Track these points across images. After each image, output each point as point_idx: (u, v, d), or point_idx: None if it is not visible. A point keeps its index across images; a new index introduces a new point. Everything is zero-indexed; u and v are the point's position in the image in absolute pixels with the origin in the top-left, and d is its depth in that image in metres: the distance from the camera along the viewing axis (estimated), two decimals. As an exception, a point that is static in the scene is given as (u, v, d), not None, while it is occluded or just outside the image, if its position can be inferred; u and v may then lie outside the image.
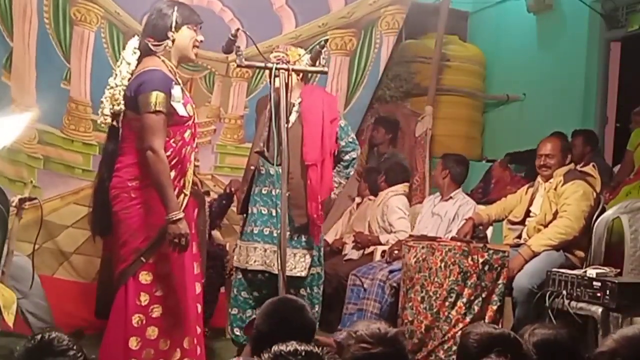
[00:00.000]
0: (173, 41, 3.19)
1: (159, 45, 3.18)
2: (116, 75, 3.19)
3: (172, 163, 3.14)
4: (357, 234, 5.21)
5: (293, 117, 3.74)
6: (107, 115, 3.19)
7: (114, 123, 3.23)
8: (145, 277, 3.13)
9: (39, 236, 3.65)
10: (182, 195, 3.21)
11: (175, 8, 3.20)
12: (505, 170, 5.85)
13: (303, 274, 3.75)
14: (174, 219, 3.03)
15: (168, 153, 3.13)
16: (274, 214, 3.72)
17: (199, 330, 3.32)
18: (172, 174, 3.15)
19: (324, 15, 5.34)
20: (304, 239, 3.76)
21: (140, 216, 3.12)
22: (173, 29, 3.18)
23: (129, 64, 3.18)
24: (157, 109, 3.04)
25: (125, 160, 3.17)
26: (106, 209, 3.20)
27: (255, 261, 3.76)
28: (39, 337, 1.82)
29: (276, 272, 3.60)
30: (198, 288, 3.35)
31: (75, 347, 1.82)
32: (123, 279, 3.15)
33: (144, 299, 3.11)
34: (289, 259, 3.70)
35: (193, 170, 3.29)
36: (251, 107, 5.22)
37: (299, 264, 3.74)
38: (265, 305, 2.24)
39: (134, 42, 3.24)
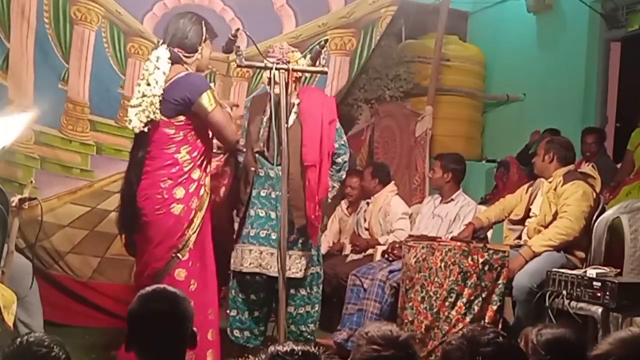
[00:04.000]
0: (201, 54, 3.43)
1: (190, 56, 3.40)
2: (148, 83, 3.29)
3: (198, 163, 3.36)
4: (355, 238, 5.20)
5: (292, 118, 3.73)
6: (143, 122, 3.29)
7: (145, 129, 3.33)
8: (179, 275, 3.30)
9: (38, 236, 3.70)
10: (205, 194, 3.40)
11: (203, 23, 3.44)
12: (519, 171, 5.85)
13: (299, 275, 3.74)
14: None
15: (195, 154, 3.34)
16: (272, 216, 3.70)
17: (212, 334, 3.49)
18: (197, 173, 3.36)
19: (324, 15, 5.35)
20: (300, 240, 3.75)
21: (173, 215, 3.29)
22: (203, 44, 3.42)
23: (165, 73, 3.32)
24: (214, 105, 3.32)
25: (155, 164, 3.33)
26: (133, 212, 3.34)
27: (250, 263, 3.72)
28: (17, 341, 1.82)
29: (272, 274, 3.62)
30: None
31: (55, 348, 1.82)
32: (159, 278, 3.26)
33: None
34: (287, 261, 3.70)
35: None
36: (251, 106, 5.22)
37: (294, 265, 3.73)
38: (138, 297, 2.22)
39: (166, 52, 3.34)
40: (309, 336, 3.84)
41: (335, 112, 3.91)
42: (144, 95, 3.28)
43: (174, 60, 3.36)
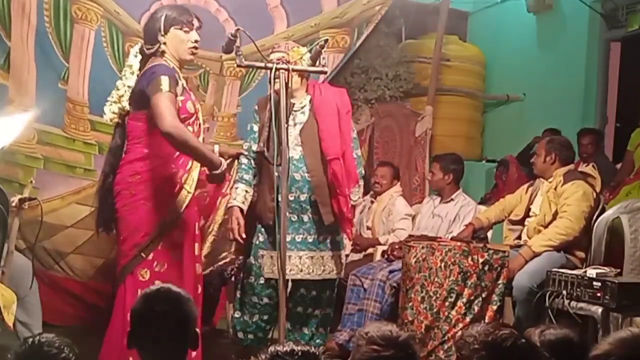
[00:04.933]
0: (164, 44, 3.26)
1: (151, 48, 3.27)
2: (122, 77, 3.34)
3: (173, 158, 3.23)
4: (356, 237, 5.19)
5: (305, 116, 3.68)
6: (114, 113, 3.34)
7: (120, 121, 3.35)
8: (143, 274, 3.19)
9: (37, 236, 3.68)
10: (185, 192, 3.27)
11: (164, 11, 3.29)
12: (518, 170, 5.84)
13: (334, 275, 3.71)
14: (218, 172, 3.21)
15: (168, 148, 3.20)
16: (305, 219, 3.62)
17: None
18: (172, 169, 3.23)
19: (317, 16, 5.36)
20: (330, 239, 3.69)
21: (140, 212, 3.18)
22: (161, 32, 3.25)
23: (130, 66, 3.32)
24: (167, 89, 3.09)
25: (128, 157, 3.26)
26: (109, 206, 3.29)
27: (290, 270, 3.59)
28: (29, 342, 1.86)
29: (316, 277, 3.64)
30: (199, 289, 3.39)
31: (65, 349, 1.85)
32: (123, 275, 3.21)
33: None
34: (327, 262, 3.68)
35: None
36: (243, 105, 5.21)
37: (328, 265, 3.69)
38: (142, 295, 2.22)
39: (136, 47, 3.37)
40: (318, 340, 3.79)
41: (349, 102, 3.85)
42: (116, 89, 3.34)
43: (144, 55, 3.32)
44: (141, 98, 3.18)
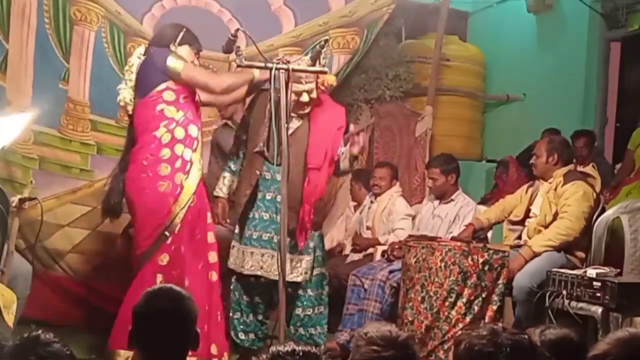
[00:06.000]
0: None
1: None
2: (124, 80, 3.58)
3: (180, 138, 3.42)
4: (356, 237, 5.19)
5: (299, 121, 3.75)
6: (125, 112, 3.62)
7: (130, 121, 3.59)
8: (162, 259, 3.34)
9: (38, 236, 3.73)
10: (197, 172, 3.49)
11: (184, 29, 3.56)
12: (518, 170, 5.83)
13: (299, 279, 3.74)
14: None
15: (173, 126, 3.43)
16: (278, 219, 3.65)
17: (219, 317, 3.54)
18: (181, 148, 3.41)
19: (325, 15, 5.35)
20: (296, 243, 3.74)
21: (158, 194, 3.35)
22: (177, 42, 3.51)
23: (131, 66, 3.57)
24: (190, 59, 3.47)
25: (137, 145, 3.45)
26: (119, 195, 3.51)
27: (251, 266, 3.72)
28: (26, 334, 1.91)
29: (274, 277, 3.61)
30: (214, 276, 3.54)
31: (60, 342, 1.89)
32: (146, 257, 3.35)
33: (159, 280, 3.29)
34: (289, 265, 3.69)
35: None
36: (250, 106, 5.22)
37: (294, 269, 3.72)
38: (144, 295, 2.22)
39: (140, 49, 3.60)
40: (318, 339, 3.82)
41: (344, 119, 3.94)
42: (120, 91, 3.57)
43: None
44: (151, 77, 3.39)
